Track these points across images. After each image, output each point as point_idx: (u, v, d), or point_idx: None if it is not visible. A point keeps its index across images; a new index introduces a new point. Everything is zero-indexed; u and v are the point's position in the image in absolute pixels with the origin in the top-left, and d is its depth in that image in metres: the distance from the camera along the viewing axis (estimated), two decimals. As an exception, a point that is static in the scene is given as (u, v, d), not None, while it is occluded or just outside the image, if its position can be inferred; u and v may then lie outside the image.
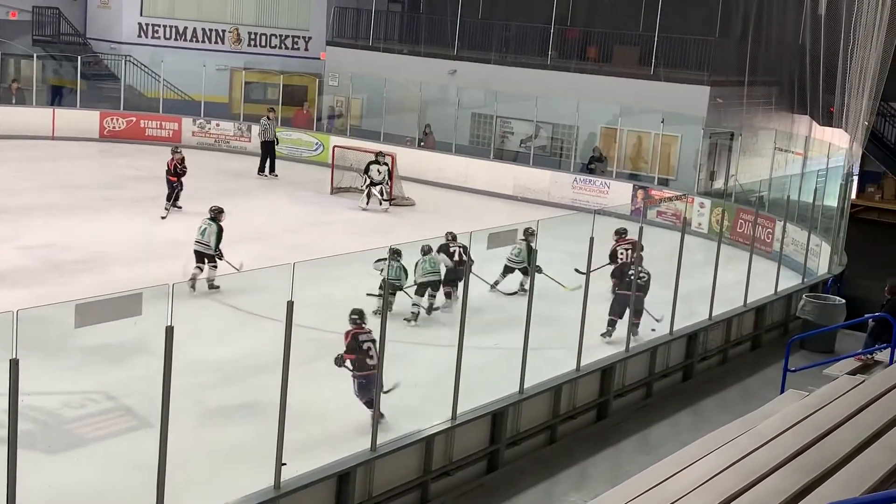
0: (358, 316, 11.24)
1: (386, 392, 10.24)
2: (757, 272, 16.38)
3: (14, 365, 6.54)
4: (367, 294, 13.77)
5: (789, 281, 17.72)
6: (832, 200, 19.94)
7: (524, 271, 16.22)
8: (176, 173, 21.80)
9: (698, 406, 13.55)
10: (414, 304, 15.28)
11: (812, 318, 16.01)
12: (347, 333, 11.08)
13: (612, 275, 15.42)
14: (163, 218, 20.95)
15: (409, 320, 15.04)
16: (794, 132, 27.08)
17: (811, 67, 26.23)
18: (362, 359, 10.86)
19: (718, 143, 26.52)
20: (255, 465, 9.07)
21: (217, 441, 10.61)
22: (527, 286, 13.50)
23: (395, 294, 14.82)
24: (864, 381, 10.23)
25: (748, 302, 15.82)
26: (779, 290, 16.88)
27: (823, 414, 8.62)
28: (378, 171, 23.33)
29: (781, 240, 18.77)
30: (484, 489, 10.62)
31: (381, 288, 13.68)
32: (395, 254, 15.15)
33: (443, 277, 15.67)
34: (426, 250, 15.98)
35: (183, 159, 21.97)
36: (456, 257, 16.02)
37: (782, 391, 11.77)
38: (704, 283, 14.98)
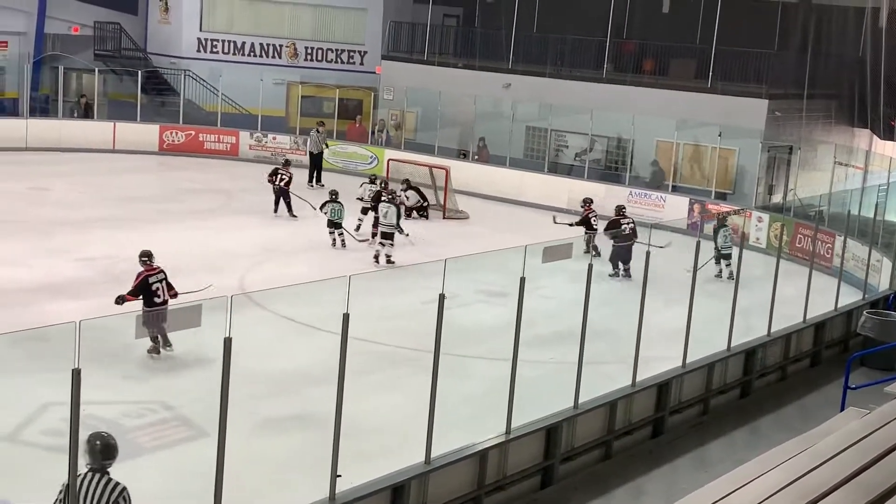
0: (147, 258, 12.79)
1: (199, 291, 10.50)
2: (816, 288, 16.15)
3: (76, 375, 6.64)
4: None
5: (849, 297, 17.46)
6: (893, 215, 19.62)
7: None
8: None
9: (756, 423, 13.39)
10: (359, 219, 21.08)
11: (873, 334, 15.75)
12: (139, 275, 12.54)
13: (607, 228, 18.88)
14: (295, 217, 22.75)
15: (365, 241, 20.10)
16: (855, 146, 26.73)
17: (872, 80, 25.89)
18: (150, 297, 12.31)
19: (777, 157, 26.25)
20: (311, 476, 9.12)
21: (273, 451, 10.70)
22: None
23: (338, 228, 20.03)
24: (927, 399, 10.03)
25: (807, 318, 15.60)
26: (839, 306, 16.62)
27: (885, 432, 8.46)
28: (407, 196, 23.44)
29: (842, 255, 18.50)
30: (538, 504, 10.59)
31: (328, 226, 20.15)
32: (334, 194, 20.32)
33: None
34: (371, 180, 22.51)
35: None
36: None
37: (842, 409, 11.57)
38: (763, 299, 14.81)
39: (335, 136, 30.23)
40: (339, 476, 8.61)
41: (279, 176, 23.03)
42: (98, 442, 6.95)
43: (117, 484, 6.90)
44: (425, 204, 24.05)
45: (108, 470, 6.94)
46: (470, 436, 10.21)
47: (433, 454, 9.52)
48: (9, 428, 10.63)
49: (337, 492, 8.61)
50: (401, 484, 9.19)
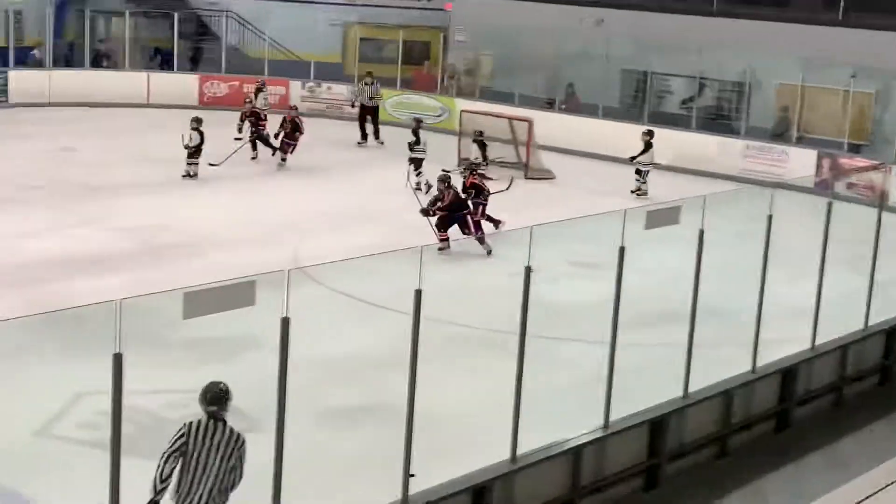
0: None
1: None
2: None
3: (117, 360, 6.78)
4: None
5: None
6: None
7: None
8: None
9: (897, 415, 13.25)
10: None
11: None
12: None
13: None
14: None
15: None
16: None
17: None
18: None
19: (922, 101, 25.76)
20: (380, 475, 9.24)
21: (337, 447, 10.85)
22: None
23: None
24: None
25: (961, 291, 15.35)
26: None
27: None
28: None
29: None
30: (642, 510, 10.63)
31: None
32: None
33: None
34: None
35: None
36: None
37: None
38: (906, 270, 14.59)
39: (398, 84, 30.28)
40: (413, 475, 8.71)
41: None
42: (209, 392, 7.76)
43: (240, 435, 7.74)
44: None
45: (225, 419, 7.72)
46: (562, 430, 10.25)
47: (519, 451, 9.58)
48: (40, 422, 10.91)
49: (410, 493, 8.72)
50: (483, 485, 9.27)
